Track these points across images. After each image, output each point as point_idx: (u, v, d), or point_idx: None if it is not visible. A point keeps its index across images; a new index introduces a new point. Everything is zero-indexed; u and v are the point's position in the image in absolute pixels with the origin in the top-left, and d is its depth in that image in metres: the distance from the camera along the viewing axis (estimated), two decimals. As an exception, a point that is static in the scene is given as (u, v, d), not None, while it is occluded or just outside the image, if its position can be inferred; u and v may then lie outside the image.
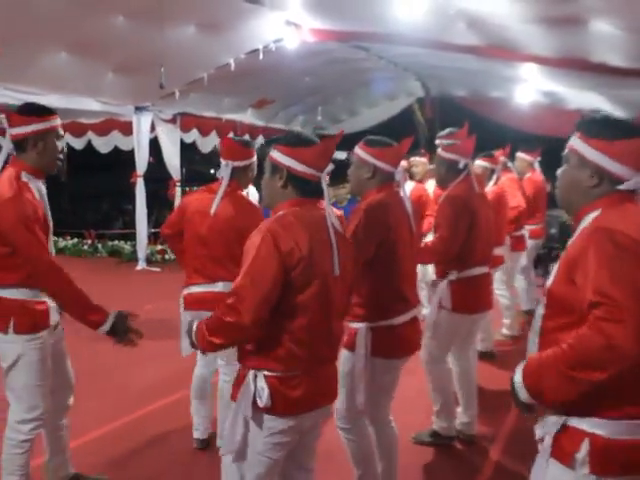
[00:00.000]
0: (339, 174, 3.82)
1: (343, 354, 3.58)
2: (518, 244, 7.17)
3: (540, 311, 2.32)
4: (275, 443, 2.68)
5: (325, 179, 2.75)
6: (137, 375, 5.91)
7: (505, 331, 7.28)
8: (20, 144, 3.36)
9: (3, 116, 3.41)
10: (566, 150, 2.36)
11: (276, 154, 2.74)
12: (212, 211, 4.17)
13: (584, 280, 2.09)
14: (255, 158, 4.42)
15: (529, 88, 11.26)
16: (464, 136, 4.80)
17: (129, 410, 5.16)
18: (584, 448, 2.13)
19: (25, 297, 3.33)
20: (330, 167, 2.77)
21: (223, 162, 4.29)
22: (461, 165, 4.56)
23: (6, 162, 3.44)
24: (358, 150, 3.64)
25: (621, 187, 2.24)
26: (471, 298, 4.61)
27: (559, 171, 2.41)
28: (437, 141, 4.94)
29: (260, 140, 13.68)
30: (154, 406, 5.31)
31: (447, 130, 5.27)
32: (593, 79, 8.39)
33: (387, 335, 3.53)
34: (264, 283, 2.54)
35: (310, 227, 2.66)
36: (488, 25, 7.03)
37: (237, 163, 4.26)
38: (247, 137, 13.76)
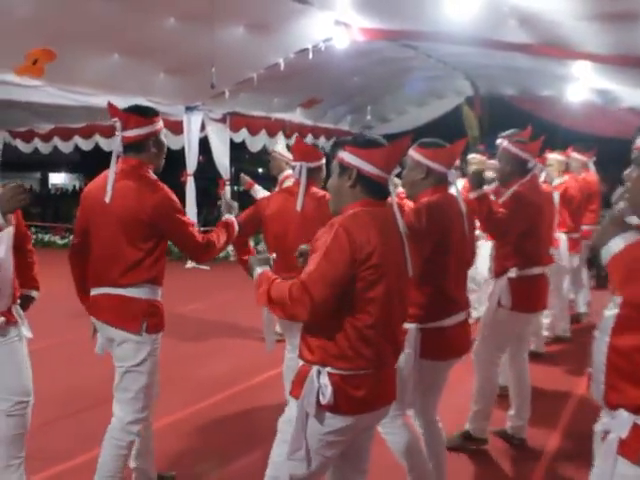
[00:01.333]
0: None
1: None
2: (574, 246, 7.07)
3: (612, 311, 2.24)
4: (330, 441, 2.68)
5: (392, 181, 2.76)
6: (199, 368, 5.97)
7: (558, 332, 7.16)
8: (139, 145, 3.45)
9: (116, 119, 3.48)
10: (636, 152, 2.28)
11: (345, 155, 2.75)
12: (298, 208, 4.35)
13: None
14: (324, 160, 4.62)
15: (581, 86, 11.06)
16: (527, 137, 4.76)
17: (192, 402, 5.25)
18: None
19: (151, 297, 3.43)
20: (397, 170, 2.79)
21: (296, 164, 4.49)
22: (530, 165, 4.53)
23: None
24: (412, 152, 3.63)
25: None
26: (531, 297, 4.56)
27: (626, 172, 2.32)
28: (499, 140, 4.86)
29: (309, 139, 13.72)
30: (214, 399, 5.39)
31: (510, 131, 5.21)
32: (649, 76, 8.22)
33: (436, 337, 3.51)
34: (334, 275, 2.56)
35: (381, 226, 2.67)
36: (541, 22, 6.93)
37: (310, 164, 4.47)
38: (295, 136, 13.87)
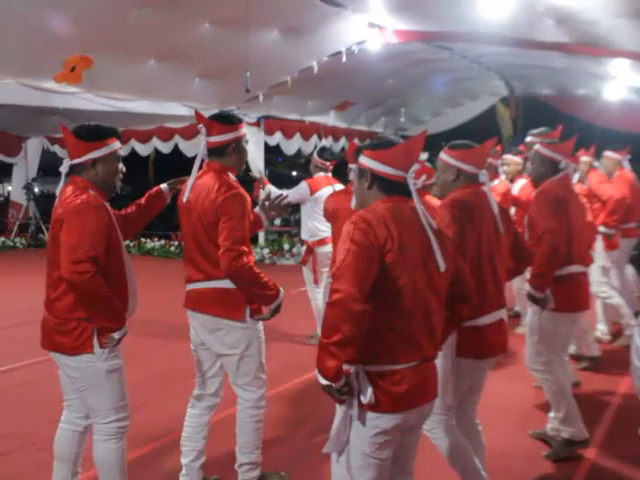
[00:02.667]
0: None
1: None
2: (610, 243, 6.94)
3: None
4: (381, 443, 2.66)
5: (412, 178, 2.76)
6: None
7: (598, 334, 7.06)
8: (221, 149, 3.65)
9: (201, 125, 3.71)
10: None
11: (362, 158, 2.81)
12: (352, 207, 4.43)
13: None
14: None
15: (618, 85, 10.91)
16: (558, 137, 4.71)
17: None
18: None
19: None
20: (416, 167, 2.77)
21: (351, 166, 4.50)
22: (562, 165, 4.47)
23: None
24: (442, 155, 3.65)
25: None
26: (573, 296, 4.48)
27: None
28: (529, 139, 4.82)
29: (343, 142, 13.74)
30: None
31: (540, 129, 5.15)
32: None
33: (472, 335, 3.47)
34: (361, 261, 2.55)
35: (401, 220, 2.68)
36: (577, 21, 6.86)
37: None
38: (330, 139, 13.91)
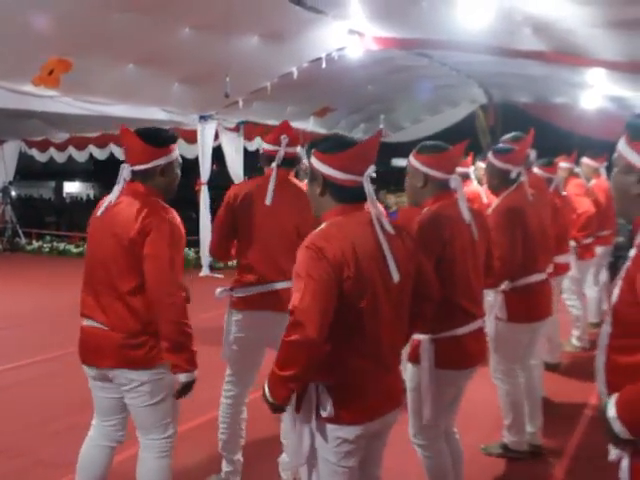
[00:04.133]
0: (402, 181, 3.75)
1: (408, 368, 3.54)
2: (585, 252, 6.98)
3: (606, 329, 2.14)
4: (346, 452, 2.61)
5: (368, 182, 2.60)
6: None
7: (575, 342, 7.12)
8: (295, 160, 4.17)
9: (284, 136, 4.01)
10: (615, 153, 2.19)
11: (313, 160, 2.66)
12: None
13: None
14: None
15: (595, 94, 11.03)
16: (529, 143, 4.68)
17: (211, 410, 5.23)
18: None
19: None
20: (372, 169, 2.61)
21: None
22: (513, 175, 4.38)
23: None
24: (411, 158, 3.53)
25: None
26: (527, 306, 4.43)
27: (612, 174, 2.23)
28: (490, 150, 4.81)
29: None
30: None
31: (511, 134, 5.14)
32: (664, 84, 8.19)
33: (451, 346, 3.43)
34: (321, 294, 2.44)
35: (355, 236, 2.55)
36: (554, 30, 6.93)
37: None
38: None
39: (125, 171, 3.28)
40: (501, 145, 4.75)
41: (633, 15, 5.91)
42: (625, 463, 2.05)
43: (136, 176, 3.28)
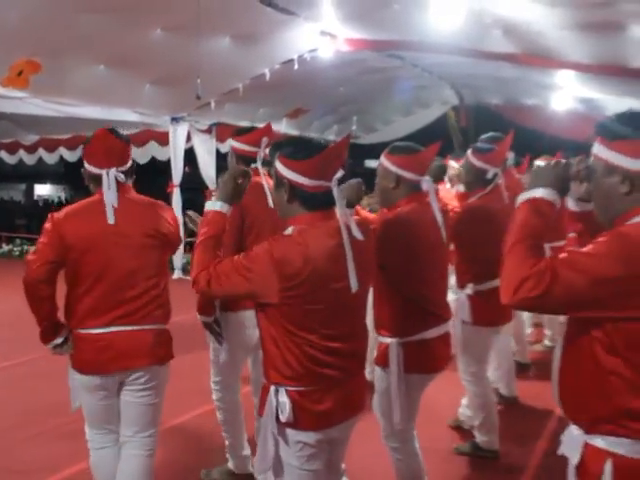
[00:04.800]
0: (374, 183, 3.73)
1: (376, 372, 3.53)
2: (556, 254, 7.03)
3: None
4: (309, 455, 2.57)
5: (337, 186, 2.54)
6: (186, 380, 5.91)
7: (547, 342, 7.18)
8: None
9: (266, 138, 4.06)
10: (591, 159, 2.16)
11: (279, 165, 2.58)
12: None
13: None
14: None
15: (565, 95, 11.15)
16: (508, 144, 4.68)
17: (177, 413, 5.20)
18: (608, 470, 1.96)
19: None
20: (340, 173, 2.55)
21: None
22: (489, 175, 4.37)
23: None
24: (382, 159, 3.48)
25: None
26: (492, 310, 4.32)
27: (591, 185, 2.21)
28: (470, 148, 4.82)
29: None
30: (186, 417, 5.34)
31: (489, 134, 5.13)
32: (632, 85, 8.28)
33: (420, 350, 3.41)
34: (237, 289, 2.54)
35: (319, 246, 2.50)
36: (525, 32, 6.99)
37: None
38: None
39: (112, 174, 3.31)
40: (481, 144, 4.75)
41: (601, 18, 5.97)
42: (573, 460, 2.09)
43: (126, 177, 3.37)
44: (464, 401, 4.92)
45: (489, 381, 4.71)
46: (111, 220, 3.26)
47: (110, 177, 3.30)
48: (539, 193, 2.12)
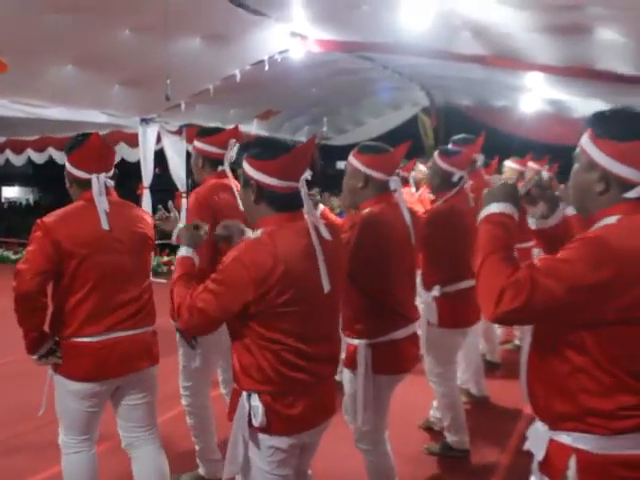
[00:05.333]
0: (341, 184, 3.72)
1: (345, 374, 3.52)
2: (522, 256, 7.08)
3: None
4: (280, 461, 2.57)
5: (304, 187, 2.55)
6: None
7: (517, 342, 7.23)
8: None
9: (233, 140, 4.09)
10: (578, 148, 2.14)
11: (246, 166, 2.58)
12: None
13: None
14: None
15: (534, 97, 11.25)
16: (478, 147, 4.70)
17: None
18: (572, 465, 2.00)
19: None
20: (308, 173, 2.56)
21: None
22: (455, 178, 4.40)
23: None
24: (351, 158, 3.47)
25: (631, 194, 2.01)
26: (458, 312, 4.43)
27: (572, 170, 2.20)
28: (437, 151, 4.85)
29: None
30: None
31: (461, 136, 5.16)
32: (599, 87, 8.38)
33: (388, 351, 3.42)
34: (224, 311, 2.49)
35: (289, 247, 2.50)
36: (493, 34, 7.03)
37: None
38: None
39: (102, 180, 3.31)
40: (448, 147, 4.78)
41: (568, 21, 6.03)
42: (538, 456, 2.13)
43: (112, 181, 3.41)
44: (435, 403, 4.95)
45: (456, 382, 4.73)
46: (105, 226, 3.24)
47: (100, 182, 3.28)
48: (495, 208, 2.14)
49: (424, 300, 4.48)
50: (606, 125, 2.06)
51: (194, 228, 2.89)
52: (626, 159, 1.99)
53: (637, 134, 1.99)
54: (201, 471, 4.22)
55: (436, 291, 4.38)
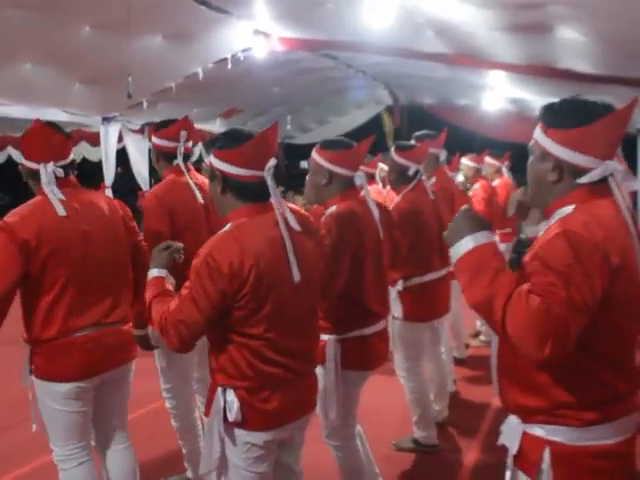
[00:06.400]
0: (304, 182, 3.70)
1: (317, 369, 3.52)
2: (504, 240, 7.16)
3: None
4: (256, 457, 2.55)
5: (270, 176, 2.53)
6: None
7: (482, 337, 7.29)
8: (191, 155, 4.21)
9: (184, 132, 4.03)
10: (531, 141, 2.20)
11: (212, 159, 2.58)
12: None
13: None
14: None
15: (496, 95, 11.36)
16: (439, 143, 4.75)
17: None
18: (546, 457, 2.02)
19: None
20: (272, 162, 2.54)
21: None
22: (411, 172, 4.44)
23: None
24: (314, 154, 3.46)
25: (583, 179, 2.05)
26: (422, 306, 4.48)
27: (528, 163, 2.25)
28: (411, 142, 4.88)
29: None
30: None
31: (422, 132, 5.21)
32: (560, 86, 8.46)
33: (358, 346, 3.42)
34: (205, 313, 2.44)
35: (259, 240, 2.48)
36: (456, 33, 7.07)
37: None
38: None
39: (50, 169, 3.17)
40: (403, 142, 4.82)
41: (529, 19, 6.08)
42: (512, 449, 2.14)
43: (66, 172, 3.27)
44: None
45: (424, 377, 4.76)
46: (61, 212, 3.11)
47: (49, 171, 3.16)
48: (471, 243, 2.06)
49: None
50: (555, 115, 2.12)
51: (164, 249, 2.85)
52: (575, 145, 2.04)
53: (583, 120, 2.04)
54: (189, 474, 4.17)
55: (399, 285, 4.40)
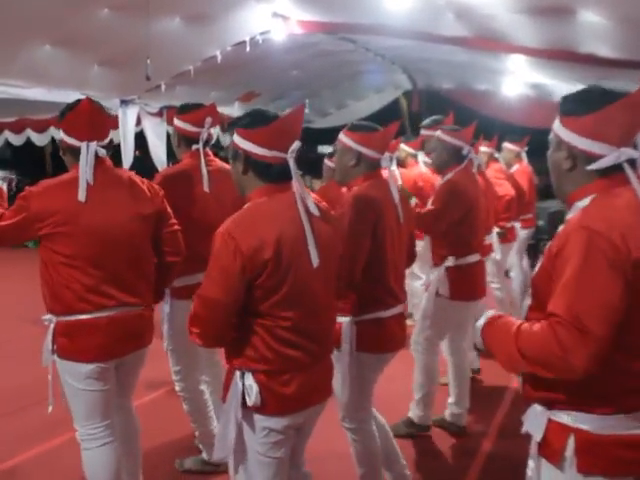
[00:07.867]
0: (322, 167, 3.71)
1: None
2: (507, 235, 7.12)
3: (527, 302, 2.22)
4: (274, 442, 2.54)
5: (293, 159, 2.53)
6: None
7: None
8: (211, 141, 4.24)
9: (209, 118, 4.12)
10: (551, 133, 2.22)
11: (235, 138, 2.57)
12: None
13: (556, 283, 1.99)
14: None
15: (516, 80, 11.25)
16: (470, 134, 4.79)
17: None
18: (570, 445, 2.01)
19: None
20: (296, 145, 2.54)
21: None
22: (465, 151, 4.54)
23: None
24: (342, 136, 3.48)
25: (593, 166, 2.05)
26: (468, 285, 4.58)
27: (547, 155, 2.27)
28: (423, 132, 4.88)
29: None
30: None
31: (432, 118, 5.23)
32: (581, 70, 8.37)
33: (374, 329, 3.42)
34: (228, 289, 2.43)
35: (278, 219, 2.49)
36: (476, 16, 6.99)
37: None
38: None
39: (93, 148, 3.18)
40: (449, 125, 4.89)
41: (551, 2, 6.00)
42: (536, 437, 2.14)
43: (107, 151, 3.29)
44: (450, 399, 4.92)
45: (438, 357, 4.77)
46: (82, 197, 3.12)
47: (90, 151, 3.16)
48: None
49: (435, 273, 4.57)
50: (570, 103, 2.12)
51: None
52: (586, 132, 2.04)
53: (595, 107, 2.02)
54: (205, 455, 4.21)
55: (450, 262, 4.46)
